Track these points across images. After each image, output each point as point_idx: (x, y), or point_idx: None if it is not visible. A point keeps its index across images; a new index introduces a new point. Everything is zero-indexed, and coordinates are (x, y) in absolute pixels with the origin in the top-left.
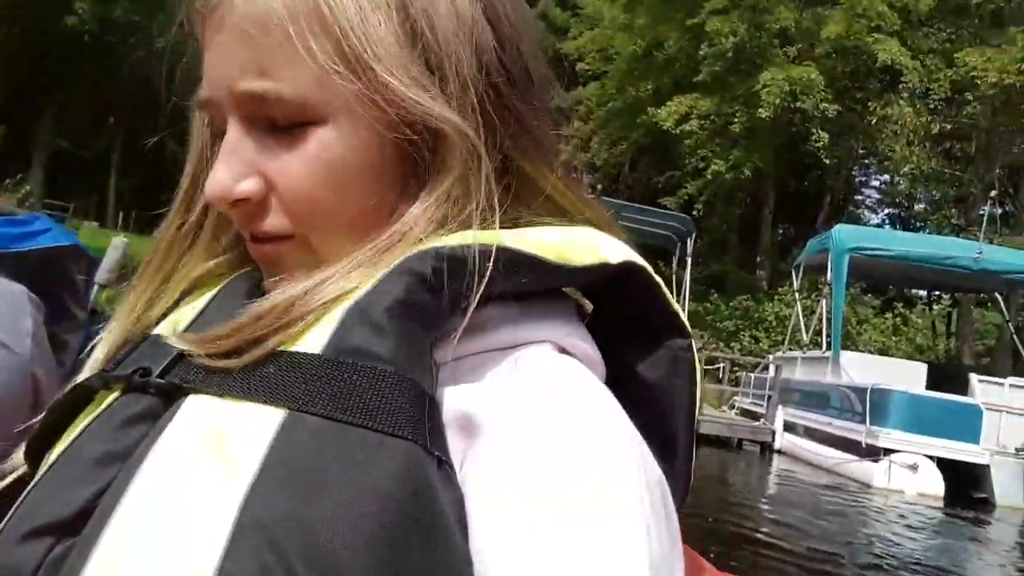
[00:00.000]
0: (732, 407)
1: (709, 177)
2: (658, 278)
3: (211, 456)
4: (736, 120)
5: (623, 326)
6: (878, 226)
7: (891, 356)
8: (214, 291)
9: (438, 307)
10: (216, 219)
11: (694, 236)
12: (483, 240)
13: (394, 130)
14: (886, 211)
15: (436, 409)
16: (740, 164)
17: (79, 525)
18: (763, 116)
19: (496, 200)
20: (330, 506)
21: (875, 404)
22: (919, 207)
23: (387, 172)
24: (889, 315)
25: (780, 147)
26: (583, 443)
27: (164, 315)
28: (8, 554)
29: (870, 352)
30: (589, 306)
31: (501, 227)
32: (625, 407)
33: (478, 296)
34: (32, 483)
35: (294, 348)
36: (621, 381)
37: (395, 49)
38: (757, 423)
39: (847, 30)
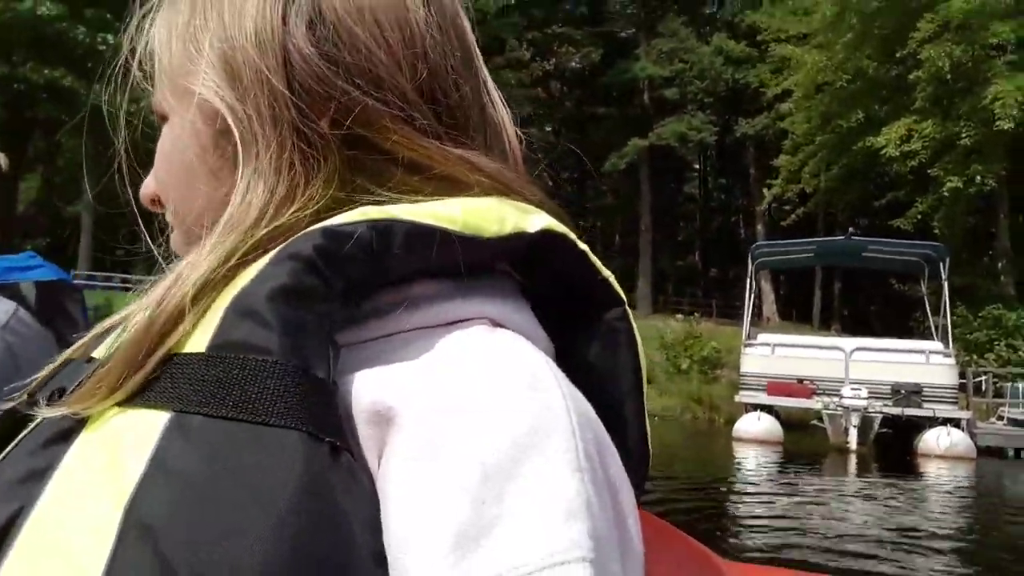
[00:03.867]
0: (1000, 418)
1: (946, 194)
2: (583, 245)
3: (104, 466)
4: (965, 135)
5: (556, 301)
6: None
7: None
8: None
9: (329, 290)
10: None
11: (947, 260)
12: (373, 216)
13: (200, 121)
14: None
15: (332, 396)
16: (980, 177)
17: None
18: (1003, 128)
19: (341, 174)
20: (210, 502)
21: None
22: None
23: (208, 158)
24: None
25: (1011, 151)
26: (510, 414)
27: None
28: None
29: None
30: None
31: (369, 195)
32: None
33: (391, 273)
34: None
35: (185, 349)
36: (561, 360)
37: (185, 62)
38: None
39: None
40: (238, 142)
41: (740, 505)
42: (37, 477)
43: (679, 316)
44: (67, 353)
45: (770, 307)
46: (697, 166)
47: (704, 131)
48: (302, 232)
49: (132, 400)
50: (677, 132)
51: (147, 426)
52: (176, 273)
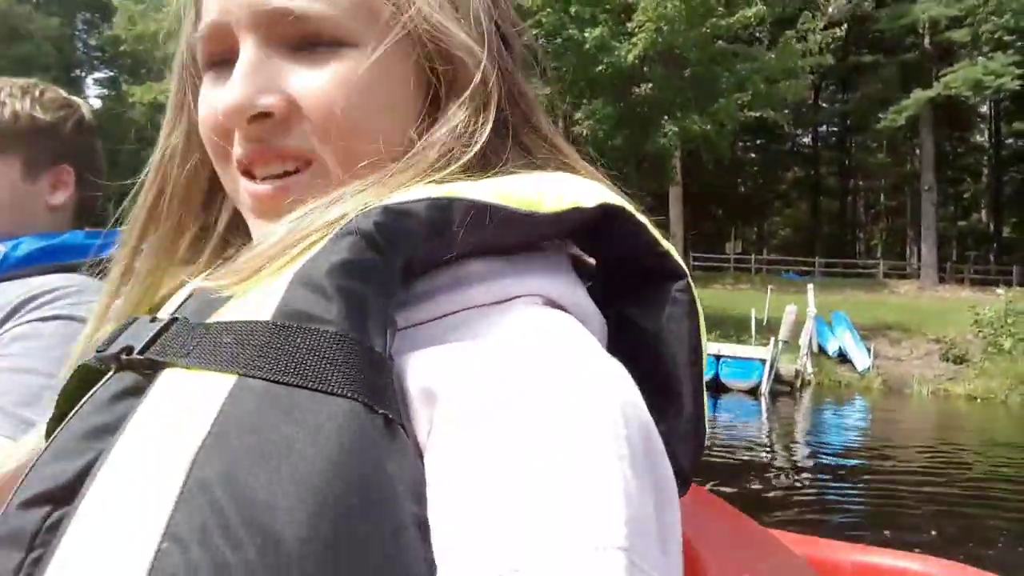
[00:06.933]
0: None
1: None
2: (643, 217)
3: (170, 425)
4: None
5: (619, 275)
6: None
7: None
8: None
9: (388, 266)
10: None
11: None
12: (438, 193)
13: (420, 60)
14: None
15: (388, 370)
16: None
17: (72, 494)
18: None
19: (495, 143)
20: (268, 466)
21: None
22: None
23: (409, 102)
24: None
25: None
26: (557, 400)
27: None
28: (12, 519)
29: None
30: (591, 261)
31: (503, 171)
32: (625, 359)
33: (448, 252)
34: (36, 458)
35: (250, 317)
36: (621, 332)
37: None
38: None
39: None
40: (442, 84)
41: None
42: (107, 432)
43: (999, 291)
44: (122, 309)
45: None
46: (984, 108)
47: (1005, 75)
48: (366, 208)
49: (199, 362)
50: (971, 79)
51: (212, 388)
52: (330, 198)
